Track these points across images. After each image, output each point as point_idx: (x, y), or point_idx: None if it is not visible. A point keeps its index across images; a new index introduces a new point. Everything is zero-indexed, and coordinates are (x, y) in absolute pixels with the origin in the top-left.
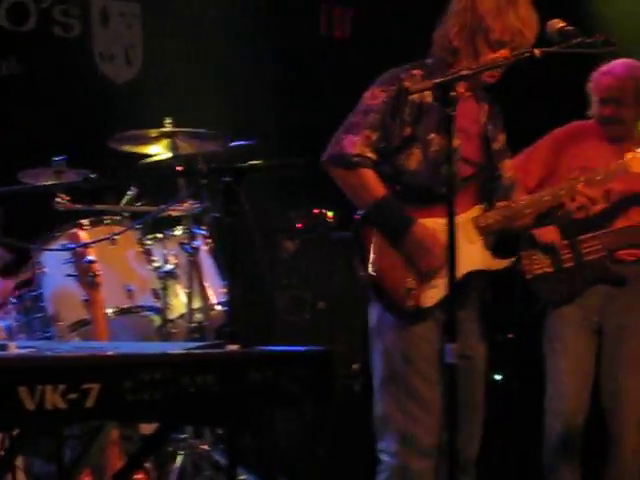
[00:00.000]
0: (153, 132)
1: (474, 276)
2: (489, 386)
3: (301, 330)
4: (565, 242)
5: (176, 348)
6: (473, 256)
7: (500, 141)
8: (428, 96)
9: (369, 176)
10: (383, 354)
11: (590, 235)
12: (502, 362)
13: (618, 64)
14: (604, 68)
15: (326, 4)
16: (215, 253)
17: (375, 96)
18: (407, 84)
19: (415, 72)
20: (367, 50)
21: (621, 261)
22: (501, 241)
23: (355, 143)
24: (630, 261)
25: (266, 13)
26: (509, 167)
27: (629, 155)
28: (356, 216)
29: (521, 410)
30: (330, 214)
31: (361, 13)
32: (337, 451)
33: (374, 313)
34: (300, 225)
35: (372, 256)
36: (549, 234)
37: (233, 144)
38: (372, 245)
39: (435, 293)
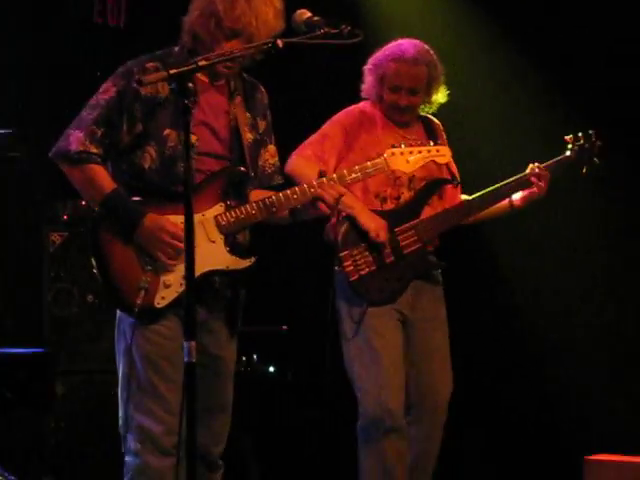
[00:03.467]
0: None
1: (215, 275)
2: (264, 379)
3: (71, 324)
4: None
5: None
6: (212, 255)
7: (259, 128)
8: (163, 90)
9: (96, 171)
10: (124, 353)
11: (404, 227)
12: (275, 354)
13: (406, 47)
14: (390, 52)
15: None
16: None
17: (106, 90)
18: (139, 76)
19: (149, 65)
20: (144, 38)
21: (427, 252)
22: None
23: (79, 139)
24: (430, 251)
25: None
26: (272, 153)
27: (388, 152)
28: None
29: (296, 401)
30: None
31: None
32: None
33: (117, 312)
34: (67, 217)
35: (106, 254)
36: (384, 232)
37: None
38: (106, 243)
39: (167, 293)
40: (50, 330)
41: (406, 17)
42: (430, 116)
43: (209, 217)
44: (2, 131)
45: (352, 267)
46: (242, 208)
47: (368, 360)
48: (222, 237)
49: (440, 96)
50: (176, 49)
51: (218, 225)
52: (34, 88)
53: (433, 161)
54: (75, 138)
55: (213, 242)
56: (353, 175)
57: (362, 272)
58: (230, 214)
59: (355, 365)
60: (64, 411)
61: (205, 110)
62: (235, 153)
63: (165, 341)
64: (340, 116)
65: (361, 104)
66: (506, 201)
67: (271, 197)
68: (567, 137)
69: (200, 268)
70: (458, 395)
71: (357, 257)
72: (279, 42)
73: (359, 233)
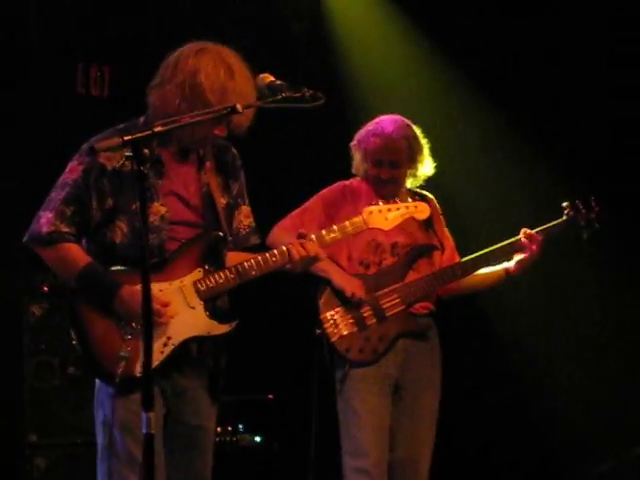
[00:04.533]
0: None
1: (196, 341)
2: (250, 448)
3: (52, 396)
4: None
5: None
6: (192, 322)
7: (232, 191)
8: (128, 164)
9: (70, 249)
10: (103, 424)
11: (387, 290)
12: (262, 423)
13: (386, 123)
14: (373, 129)
15: (82, 63)
16: None
17: (72, 169)
18: (94, 144)
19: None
20: (126, 108)
21: (415, 314)
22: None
23: (49, 220)
24: (422, 314)
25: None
26: (246, 213)
27: (366, 210)
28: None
29: (282, 472)
30: None
31: (119, 72)
32: None
33: (96, 382)
34: (47, 288)
35: (85, 325)
36: (358, 289)
37: None
38: (85, 314)
39: None
40: (31, 403)
41: (390, 88)
42: (421, 191)
43: (187, 283)
44: None
45: (332, 328)
46: (221, 273)
47: (350, 423)
48: (202, 303)
49: (426, 169)
50: (141, 120)
51: (197, 291)
52: (8, 156)
53: (421, 228)
54: (45, 220)
55: (193, 308)
56: (332, 235)
57: (342, 333)
58: (209, 279)
59: (340, 426)
60: None
61: (174, 180)
62: (208, 219)
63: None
64: (323, 191)
65: (349, 180)
66: (501, 269)
67: (250, 261)
68: (564, 204)
69: (181, 335)
70: (454, 461)
71: (337, 319)
72: (238, 106)
73: (338, 295)
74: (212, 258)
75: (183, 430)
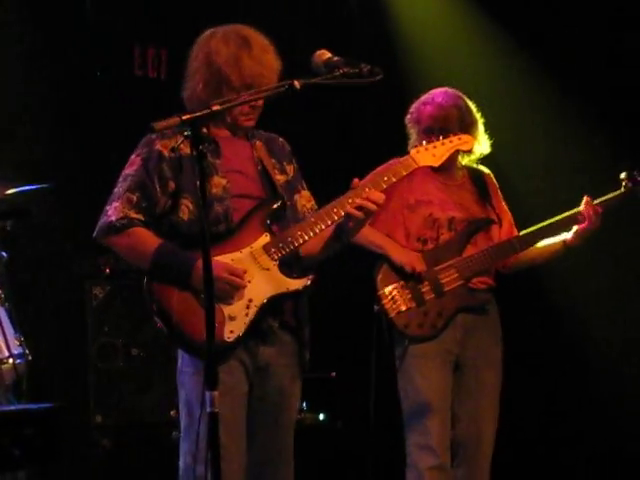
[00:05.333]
0: None
1: (276, 303)
2: (314, 427)
3: (115, 378)
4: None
5: None
6: (270, 282)
7: (289, 173)
8: (185, 147)
9: (141, 232)
10: (184, 403)
11: (445, 265)
12: (325, 401)
13: (438, 93)
14: (424, 98)
15: (139, 45)
16: (7, 303)
17: (132, 163)
18: (153, 123)
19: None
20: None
21: (474, 289)
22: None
23: (117, 208)
24: (482, 289)
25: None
26: (307, 197)
27: (413, 151)
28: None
29: (347, 450)
30: None
31: (176, 54)
32: None
33: (177, 363)
34: (108, 270)
35: (167, 306)
36: (418, 264)
37: (9, 192)
38: (164, 295)
39: (235, 326)
40: (95, 384)
41: (447, 61)
42: (478, 166)
43: (257, 247)
44: (36, 186)
45: (390, 304)
46: (287, 231)
47: (412, 400)
48: (275, 263)
49: (482, 146)
50: None
51: (268, 253)
52: (69, 141)
53: (478, 202)
54: (113, 209)
55: (267, 270)
56: (385, 178)
57: (401, 308)
58: (277, 240)
59: (402, 403)
60: (112, 465)
61: (230, 158)
62: (269, 193)
63: (226, 390)
64: (378, 168)
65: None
66: (559, 241)
67: (313, 216)
68: (622, 175)
69: (261, 295)
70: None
71: (395, 294)
72: (296, 83)
73: (396, 271)
74: (276, 223)
75: (264, 407)
